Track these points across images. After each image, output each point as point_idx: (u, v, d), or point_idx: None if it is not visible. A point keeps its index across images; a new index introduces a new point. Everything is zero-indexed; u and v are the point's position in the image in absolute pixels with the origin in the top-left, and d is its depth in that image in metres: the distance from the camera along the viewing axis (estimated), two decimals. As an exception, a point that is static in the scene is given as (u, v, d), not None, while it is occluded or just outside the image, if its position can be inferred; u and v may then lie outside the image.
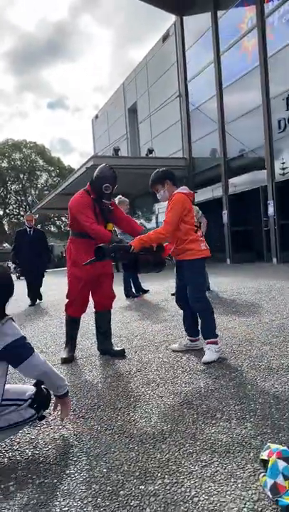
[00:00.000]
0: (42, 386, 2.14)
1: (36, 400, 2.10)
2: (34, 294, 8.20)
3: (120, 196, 7.56)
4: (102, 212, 3.66)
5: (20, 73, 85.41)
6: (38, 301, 8.33)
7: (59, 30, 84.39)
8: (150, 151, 17.39)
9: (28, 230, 8.18)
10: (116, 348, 3.78)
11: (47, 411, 2.30)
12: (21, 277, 14.32)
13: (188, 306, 3.62)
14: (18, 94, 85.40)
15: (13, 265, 9.02)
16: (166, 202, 3.61)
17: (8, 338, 2.01)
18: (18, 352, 2.03)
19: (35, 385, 2.13)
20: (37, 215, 36.30)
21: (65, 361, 3.65)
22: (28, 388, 2.15)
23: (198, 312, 3.57)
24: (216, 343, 3.42)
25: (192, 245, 3.46)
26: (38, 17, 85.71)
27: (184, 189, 3.58)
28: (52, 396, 2.26)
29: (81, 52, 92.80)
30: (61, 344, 4.39)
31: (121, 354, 3.70)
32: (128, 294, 7.34)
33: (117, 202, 7.42)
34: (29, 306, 7.93)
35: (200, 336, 3.61)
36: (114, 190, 3.63)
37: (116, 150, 17.40)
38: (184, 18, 16.61)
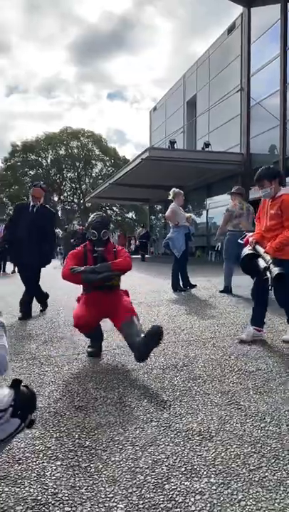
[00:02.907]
0: (21, 384, 1.63)
1: (19, 406, 1.56)
2: (37, 297, 5.65)
3: (174, 189, 7.51)
4: (96, 260, 3.52)
5: (83, 64, 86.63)
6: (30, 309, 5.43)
7: (123, 22, 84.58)
8: (206, 144, 17.12)
9: (31, 206, 5.53)
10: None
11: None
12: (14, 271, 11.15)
13: (261, 301, 3.92)
14: (79, 85, 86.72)
15: None
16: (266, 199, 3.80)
17: None
18: None
19: (12, 386, 1.61)
20: (90, 204, 37.03)
21: (90, 354, 3.56)
22: (2, 394, 1.57)
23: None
24: None
25: None
26: (103, 9, 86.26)
27: None
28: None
29: (143, 45, 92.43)
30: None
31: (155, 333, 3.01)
32: (176, 287, 7.30)
33: (172, 194, 7.41)
34: (19, 319, 5.17)
35: (264, 328, 3.95)
36: (103, 236, 3.54)
37: (172, 142, 17.25)
38: (252, 9, 16.13)
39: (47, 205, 5.90)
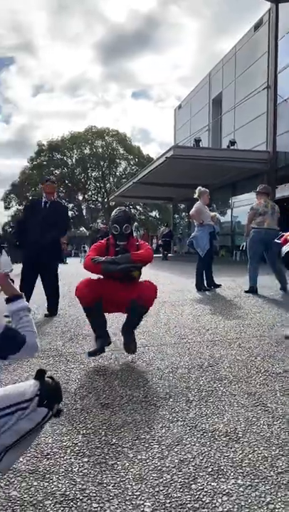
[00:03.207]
0: (46, 375, 1.65)
1: (45, 395, 1.56)
2: (50, 304, 5.33)
3: (200, 187, 7.47)
4: (118, 254, 3.50)
5: (108, 63, 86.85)
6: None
7: (148, 21, 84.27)
8: (232, 142, 16.96)
9: (43, 202, 5.40)
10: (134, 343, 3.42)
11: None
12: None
13: None
14: (103, 84, 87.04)
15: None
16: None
17: None
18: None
19: (37, 377, 1.63)
20: (114, 202, 37.20)
21: (90, 354, 3.37)
22: (27, 384, 1.60)
23: None
24: None
25: None
26: (129, 8, 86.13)
27: None
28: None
29: (168, 43, 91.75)
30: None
31: (130, 348, 3.37)
32: (200, 287, 7.27)
33: (197, 193, 7.37)
34: (45, 316, 5.22)
35: None
36: (125, 230, 3.53)
37: (197, 141, 17.18)
38: (280, 5, 15.85)
39: (59, 200, 5.78)
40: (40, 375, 1.61)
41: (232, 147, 16.90)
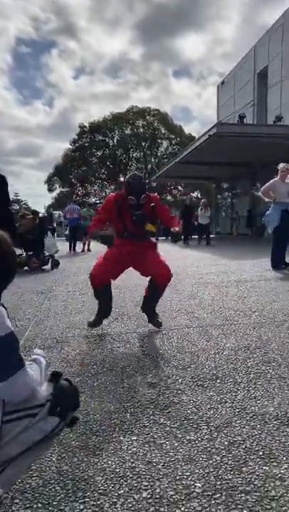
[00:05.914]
0: (62, 378, 1.43)
1: (58, 402, 1.35)
2: None
3: (281, 164, 7.22)
4: (136, 223, 3.61)
5: (148, 43, 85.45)
6: None
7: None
8: (279, 118, 16.28)
9: None
10: (157, 319, 3.76)
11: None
12: None
13: None
14: (144, 64, 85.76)
15: None
16: None
17: None
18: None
19: (51, 379, 1.41)
20: (154, 184, 36.94)
21: (89, 325, 3.73)
22: (40, 388, 1.37)
23: None
24: None
25: None
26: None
27: None
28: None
29: (210, 19, 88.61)
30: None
31: (157, 325, 3.72)
32: (274, 264, 7.13)
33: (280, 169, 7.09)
34: None
35: None
36: (142, 200, 3.58)
37: (241, 117, 16.60)
38: None
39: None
40: (54, 377, 1.41)
41: (279, 123, 16.24)
